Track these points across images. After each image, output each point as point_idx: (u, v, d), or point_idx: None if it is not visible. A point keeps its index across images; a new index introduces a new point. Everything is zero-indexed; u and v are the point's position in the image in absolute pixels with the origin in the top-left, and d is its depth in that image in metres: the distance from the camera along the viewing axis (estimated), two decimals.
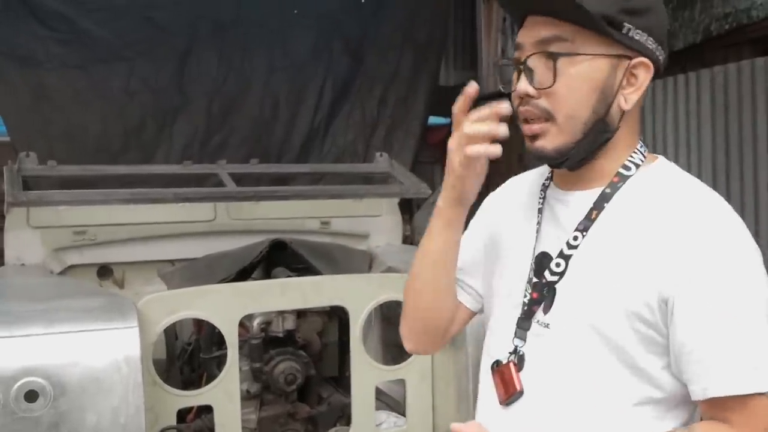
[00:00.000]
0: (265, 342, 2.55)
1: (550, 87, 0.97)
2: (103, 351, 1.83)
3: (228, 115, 3.94)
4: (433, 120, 4.60)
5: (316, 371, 2.71)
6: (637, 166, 1.03)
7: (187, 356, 2.84)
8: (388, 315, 2.80)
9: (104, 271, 3.02)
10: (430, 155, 5.43)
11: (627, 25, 0.97)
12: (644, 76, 1.00)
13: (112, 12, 3.69)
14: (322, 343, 2.81)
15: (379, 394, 2.61)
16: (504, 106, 0.97)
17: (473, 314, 1.22)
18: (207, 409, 2.34)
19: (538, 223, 1.08)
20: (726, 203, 0.99)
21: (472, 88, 0.98)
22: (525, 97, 0.99)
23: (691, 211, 0.96)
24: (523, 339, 1.04)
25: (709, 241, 0.93)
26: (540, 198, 1.10)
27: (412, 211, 3.86)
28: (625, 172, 1.02)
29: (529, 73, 0.98)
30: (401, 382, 2.49)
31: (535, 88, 0.98)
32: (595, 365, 0.98)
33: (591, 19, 0.94)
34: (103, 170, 3.26)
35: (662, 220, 0.96)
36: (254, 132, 3.95)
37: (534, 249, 1.07)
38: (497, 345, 1.09)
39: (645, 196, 1.00)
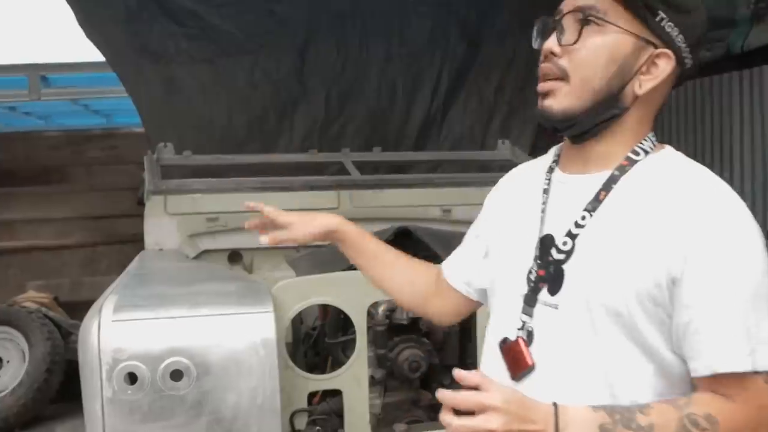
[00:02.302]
0: (390, 329, 2.56)
1: (573, 44, 1.03)
2: (242, 334, 1.88)
3: (346, 105, 4.00)
4: None
5: (438, 359, 2.70)
6: (647, 153, 1.06)
7: (312, 341, 2.90)
8: None
9: (234, 256, 3.14)
10: (548, 142, 5.27)
11: (662, 15, 1.01)
12: (664, 67, 1.03)
13: (237, 6, 3.82)
14: (444, 332, 2.80)
15: None
16: None
17: (462, 297, 1.32)
18: (331, 394, 2.38)
19: (544, 204, 1.11)
20: (730, 188, 1.02)
21: None
22: (549, 55, 1.05)
23: (698, 195, 1.00)
24: (530, 315, 1.08)
25: (716, 223, 0.98)
26: (546, 180, 1.14)
27: None
28: (634, 157, 1.06)
29: (560, 30, 1.05)
30: None
31: (560, 45, 1.04)
32: (606, 344, 1.01)
33: None
34: (235, 159, 3.39)
35: (670, 202, 1.00)
36: (372, 120, 3.99)
37: (540, 230, 1.10)
38: (503, 323, 1.12)
39: (653, 180, 1.04)
